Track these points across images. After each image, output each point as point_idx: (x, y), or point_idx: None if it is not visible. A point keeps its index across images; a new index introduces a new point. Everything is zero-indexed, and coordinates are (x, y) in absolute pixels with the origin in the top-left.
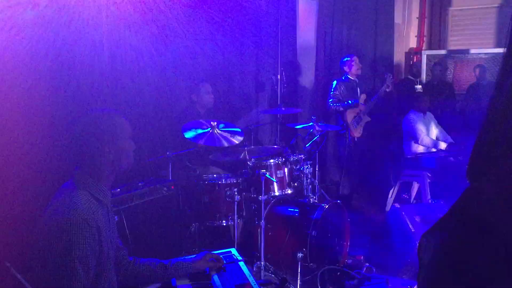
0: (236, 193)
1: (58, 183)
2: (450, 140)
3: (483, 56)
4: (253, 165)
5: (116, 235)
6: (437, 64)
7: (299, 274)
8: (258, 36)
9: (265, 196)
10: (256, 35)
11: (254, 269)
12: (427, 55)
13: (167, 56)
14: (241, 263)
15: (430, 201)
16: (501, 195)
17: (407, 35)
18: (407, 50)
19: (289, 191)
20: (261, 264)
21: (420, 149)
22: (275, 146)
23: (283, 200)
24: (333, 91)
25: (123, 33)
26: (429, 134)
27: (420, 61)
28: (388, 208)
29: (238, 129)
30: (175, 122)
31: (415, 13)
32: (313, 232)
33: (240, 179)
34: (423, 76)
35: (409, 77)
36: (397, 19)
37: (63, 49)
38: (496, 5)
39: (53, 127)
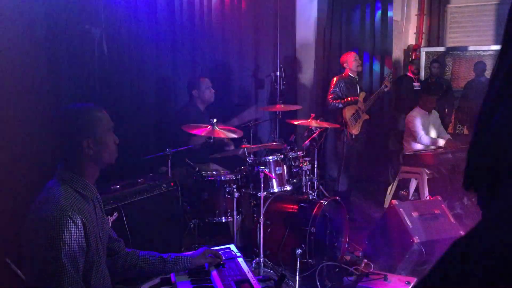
0: (235, 189)
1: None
2: (449, 137)
3: (482, 53)
4: (252, 162)
5: (107, 228)
6: (436, 61)
7: (298, 270)
8: (257, 32)
9: (264, 193)
10: (255, 31)
11: (253, 265)
12: (426, 52)
13: (165, 54)
14: (240, 259)
15: (428, 197)
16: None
17: (406, 32)
18: (406, 47)
19: (288, 188)
20: (260, 260)
21: (419, 146)
22: (274, 143)
23: (282, 196)
24: (332, 88)
25: (122, 25)
26: (429, 134)
27: (418, 58)
28: (386, 204)
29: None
30: (175, 118)
31: (414, 10)
32: (312, 228)
33: (239, 175)
34: (422, 73)
35: (408, 74)
36: (396, 16)
37: (49, 37)
38: (494, 2)
39: (42, 123)
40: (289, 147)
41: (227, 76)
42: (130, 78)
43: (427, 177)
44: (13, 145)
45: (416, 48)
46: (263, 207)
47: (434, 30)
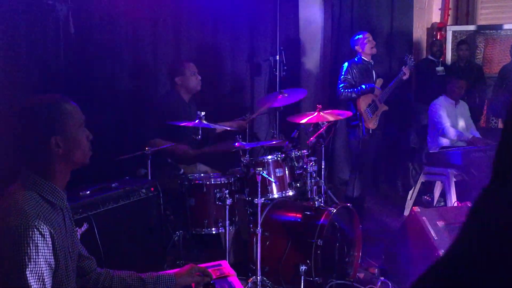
0: (227, 195)
1: (6, 185)
2: (478, 135)
3: None
4: (248, 163)
5: (77, 243)
6: (463, 43)
7: None
8: (253, 8)
9: (262, 199)
10: (250, 7)
11: (249, 285)
12: (453, 32)
13: (144, 34)
14: (234, 278)
15: (455, 203)
16: None
17: (429, 8)
18: (429, 26)
19: (290, 193)
20: (257, 279)
21: (445, 141)
22: (274, 140)
23: (283, 203)
24: (344, 75)
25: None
26: (457, 127)
27: (444, 38)
28: (406, 212)
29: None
30: (154, 112)
31: None
32: (319, 241)
33: (232, 178)
34: (448, 57)
35: (430, 57)
36: None
37: (4, 15)
38: None
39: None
40: (291, 145)
41: (217, 61)
42: (102, 63)
43: (454, 180)
44: None
45: (441, 27)
46: (261, 216)
47: (463, 6)
